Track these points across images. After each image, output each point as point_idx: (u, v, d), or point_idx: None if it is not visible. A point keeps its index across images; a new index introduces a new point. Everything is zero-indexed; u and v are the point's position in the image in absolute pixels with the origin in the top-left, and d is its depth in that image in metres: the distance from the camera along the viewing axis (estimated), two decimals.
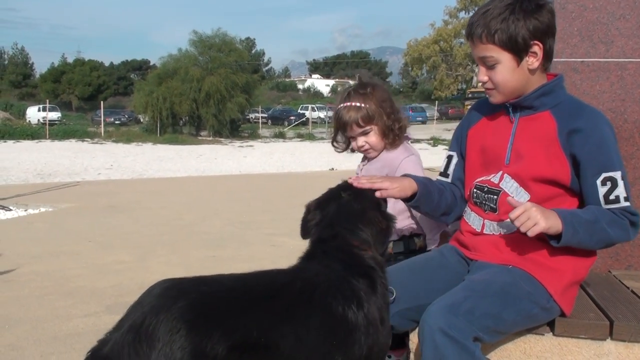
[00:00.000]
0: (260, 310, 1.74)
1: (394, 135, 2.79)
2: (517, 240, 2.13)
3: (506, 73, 2.14)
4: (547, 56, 2.15)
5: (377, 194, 2.19)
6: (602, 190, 2.06)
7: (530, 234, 1.97)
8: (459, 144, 2.46)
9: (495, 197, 2.22)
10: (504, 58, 2.12)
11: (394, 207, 2.58)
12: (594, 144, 2.07)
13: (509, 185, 2.19)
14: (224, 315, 1.68)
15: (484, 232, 2.26)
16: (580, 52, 3.02)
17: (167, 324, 1.61)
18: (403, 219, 2.73)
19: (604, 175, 2.06)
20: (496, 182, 2.22)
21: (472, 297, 1.98)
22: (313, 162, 18.50)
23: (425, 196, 2.30)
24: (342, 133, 2.87)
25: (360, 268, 1.97)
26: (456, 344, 1.85)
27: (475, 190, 2.30)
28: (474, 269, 2.23)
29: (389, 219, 2.18)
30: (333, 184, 2.37)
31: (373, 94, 2.77)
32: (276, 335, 1.71)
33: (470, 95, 45.95)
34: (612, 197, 2.05)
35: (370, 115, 2.73)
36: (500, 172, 2.22)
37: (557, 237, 2.01)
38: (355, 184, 2.20)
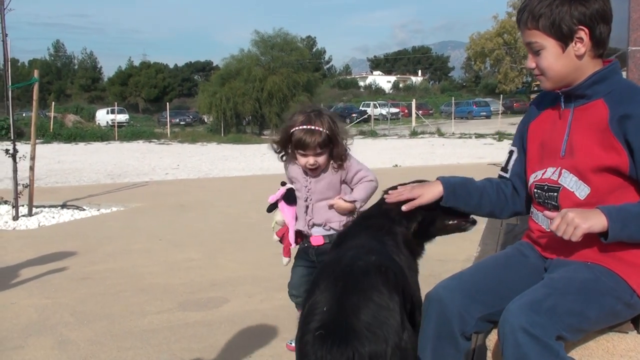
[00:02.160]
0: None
1: (341, 161, 3.12)
2: (590, 236, 2.05)
3: (551, 59, 2.09)
4: (598, 43, 2.06)
5: (404, 207, 2.39)
6: None
7: (574, 238, 1.92)
8: (520, 139, 2.41)
9: (555, 194, 2.16)
10: (549, 44, 2.07)
11: None
12: None
13: (568, 180, 2.12)
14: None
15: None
16: None
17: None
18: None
19: None
20: (555, 178, 2.16)
21: (554, 294, 1.93)
22: (376, 159, 18.35)
23: (456, 198, 2.38)
24: (296, 150, 3.09)
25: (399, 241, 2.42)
26: (539, 343, 1.80)
27: (536, 190, 2.25)
28: (552, 268, 2.17)
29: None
30: (398, 181, 2.69)
31: (330, 120, 3.08)
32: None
33: (536, 89, 44.71)
34: None
35: (327, 141, 3.04)
36: (558, 168, 2.15)
37: (605, 234, 1.94)
38: (391, 199, 2.45)
